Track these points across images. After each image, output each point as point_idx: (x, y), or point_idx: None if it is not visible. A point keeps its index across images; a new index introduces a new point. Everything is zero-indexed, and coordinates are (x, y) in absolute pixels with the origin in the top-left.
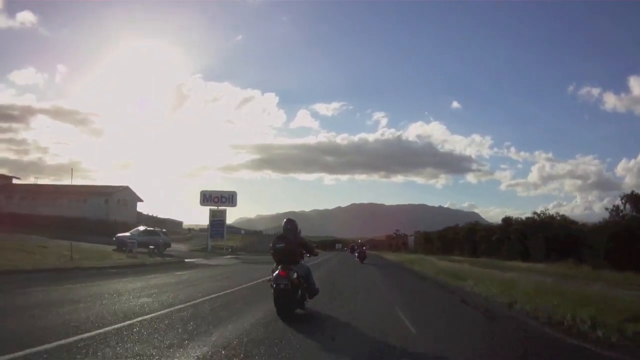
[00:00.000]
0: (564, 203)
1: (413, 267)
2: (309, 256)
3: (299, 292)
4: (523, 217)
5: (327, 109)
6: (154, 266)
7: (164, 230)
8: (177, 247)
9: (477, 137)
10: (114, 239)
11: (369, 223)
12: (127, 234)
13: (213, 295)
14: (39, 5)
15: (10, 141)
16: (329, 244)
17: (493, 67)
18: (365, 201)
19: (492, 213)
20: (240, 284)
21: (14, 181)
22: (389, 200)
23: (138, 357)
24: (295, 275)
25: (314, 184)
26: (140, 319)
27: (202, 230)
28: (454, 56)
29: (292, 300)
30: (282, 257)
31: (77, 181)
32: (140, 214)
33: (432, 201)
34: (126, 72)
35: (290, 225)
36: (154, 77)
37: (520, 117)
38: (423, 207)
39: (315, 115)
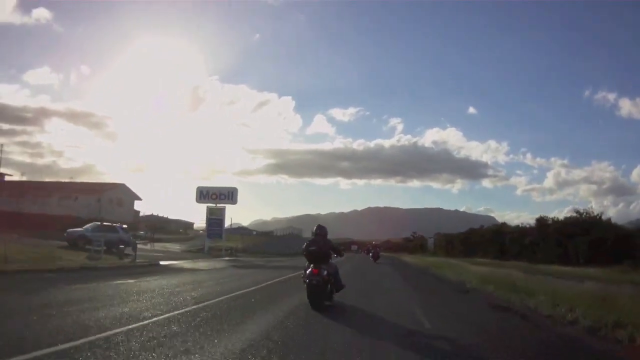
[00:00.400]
0: (579, 208)
1: (443, 273)
2: (336, 257)
3: (328, 287)
4: (560, 217)
5: (343, 114)
6: (103, 271)
7: (124, 226)
8: (173, 247)
9: (493, 143)
10: (65, 234)
11: (384, 226)
12: (80, 229)
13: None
14: (54, 2)
15: (24, 144)
16: (345, 246)
17: (509, 73)
18: (381, 205)
19: (508, 217)
20: (175, 308)
21: (7, 178)
22: (405, 204)
23: None
24: (325, 273)
25: (330, 188)
26: None
27: None
28: (469, 61)
29: (322, 293)
30: (314, 257)
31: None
32: (137, 212)
33: (448, 205)
34: (142, 72)
35: (321, 230)
36: (170, 78)
37: (536, 123)
38: (439, 211)
39: (331, 120)
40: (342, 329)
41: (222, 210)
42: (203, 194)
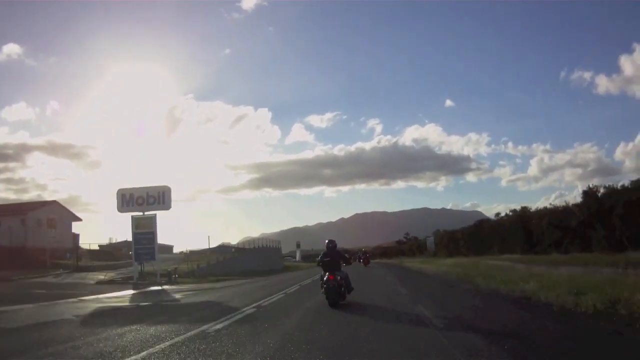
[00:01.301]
0: (566, 193)
1: (521, 288)
2: (345, 265)
3: (342, 289)
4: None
5: (321, 120)
6: None
7: None
8: (96, 276)
9: (473, 136)
10: None
11: (373, 231)
12: None
13: None
14: (23, 36)
15: (8, 181)
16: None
17: (482, 61)
18: (368, 210)
19: (495, 210)
20: None
21: None
22: (391, 207)
23: None
24: (339, 278)
25: (315, 198)
26: None
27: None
28: (442, 53)
29: (337, 294)
30: (329, 266)
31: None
32: (76, 236)
33: (434, 204)
34: (117, 99)
35: (332, 244)
36: (145, 101)
37: (515, 110)
38: (426, 211)
39: (309, 128)
40: (354, 319)
41: (152, 220)
42: (126, 199)
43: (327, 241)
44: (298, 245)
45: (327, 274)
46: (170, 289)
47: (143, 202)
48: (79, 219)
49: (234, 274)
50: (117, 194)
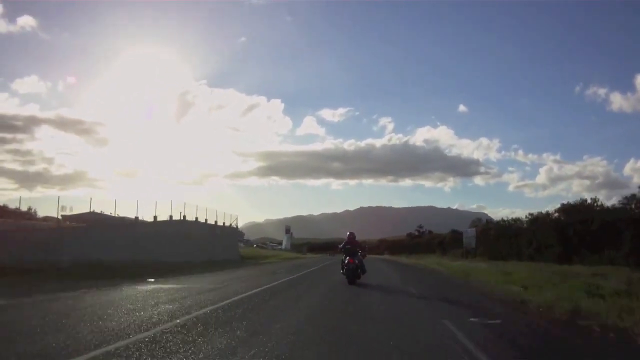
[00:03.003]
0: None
1: None
2: (361, 253)
3: (358, 271)
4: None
5: (333, 115)
6: None
7: None
8: None
9: (484, 141)
10: None
11: (377, 225)
12: None
13: None
14: (38, 9)
15: (15, 152)
16: (332, 246)
17: (499, 70)
18: (374, 204)
19: (501, 214)
20: None
21: None
22: (397, 203)
23: None
24: (357, 262)
25: (322, 189)
26: None
27: None
28: (459, 59)
29: (355, 274)
30: (349, 252)
31: (82, 191)
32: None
33: (441, 203)
34: (130, 79)
35: (352, 235)
36: (158, 83)
37: (527, 119)
38: (432, 209)
39: (321, 121)
40: (367, 292)
41: None
42: None
43: (348, 233)
44: (287, 230)
45: (347, 257)
46: None
47: None
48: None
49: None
50: None
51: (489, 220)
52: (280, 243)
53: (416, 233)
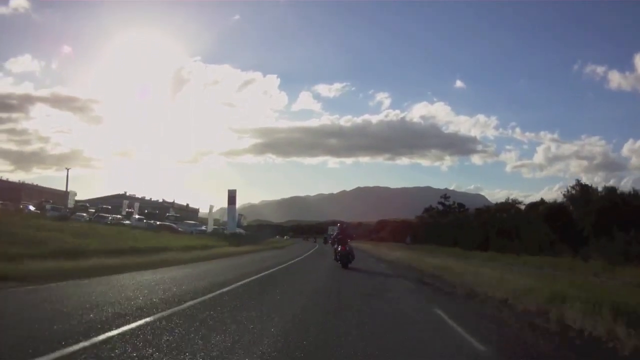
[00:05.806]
0: (570, 184)
1: None
2: (349, 241)
3: (349, 256)
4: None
5: (329, 90)
6: None
7: None
8: None
9: (482, 118)
10: None
11: (374, 206)
12: None
13: None
14: None
15: (11, 131)
16: (321, 231)
17: (496, 46)
18: (370, 184)
19: (498, 195)
20: None
21: None
22: (395, 183)
23: None
24: (348, 249)
25: (318, 167)
26: None
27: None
28: (456, 35)
29: (347, 259)
30: (340, 240)
31: (79, 171)
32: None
33: (438, 184)
34: (123, 56)
35: (344, 224)
36: (152, 61)
37: (525, 97)
38: (429, 190)
39: (317, 97)
40: (357, 274)
41: None
42: None
43: (338, 224)
44: (232, 201)
45: (339, 246)
46: None
47: None
48: None
49: None
50: None
51: None
52: (223, 224)
53: (426, 216)
